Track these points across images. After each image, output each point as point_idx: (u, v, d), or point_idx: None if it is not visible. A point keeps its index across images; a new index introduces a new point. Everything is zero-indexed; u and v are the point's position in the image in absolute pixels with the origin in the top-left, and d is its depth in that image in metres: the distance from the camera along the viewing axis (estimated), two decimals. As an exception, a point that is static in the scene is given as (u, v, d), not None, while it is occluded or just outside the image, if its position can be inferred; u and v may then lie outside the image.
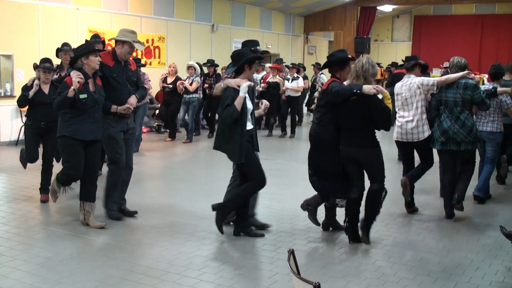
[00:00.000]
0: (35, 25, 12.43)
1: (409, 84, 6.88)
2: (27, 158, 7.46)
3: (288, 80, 14.64)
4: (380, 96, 5.62)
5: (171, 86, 12.89)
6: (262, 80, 14.90)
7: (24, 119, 7.90)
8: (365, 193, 5.88)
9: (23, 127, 7.48)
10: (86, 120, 6.03)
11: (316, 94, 18.23)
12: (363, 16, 22.70)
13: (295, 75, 14.71)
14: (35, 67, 7.35)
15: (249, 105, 5.84)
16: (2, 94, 12.06)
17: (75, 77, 5.89)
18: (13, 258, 5.21)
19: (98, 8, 13.95)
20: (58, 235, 6.00)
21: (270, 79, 14.53)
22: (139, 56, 14.88)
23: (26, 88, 7.16)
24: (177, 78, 12.97)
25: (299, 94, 14.96)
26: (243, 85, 5.64)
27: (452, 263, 5.35)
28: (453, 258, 5.50)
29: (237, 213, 6.06)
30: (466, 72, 6.71)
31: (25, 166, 7.80)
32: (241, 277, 4.91)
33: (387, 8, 23.87)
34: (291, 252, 2.77)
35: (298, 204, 6.54)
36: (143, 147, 11.43)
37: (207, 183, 8.77)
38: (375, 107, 5.56)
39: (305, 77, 16.62)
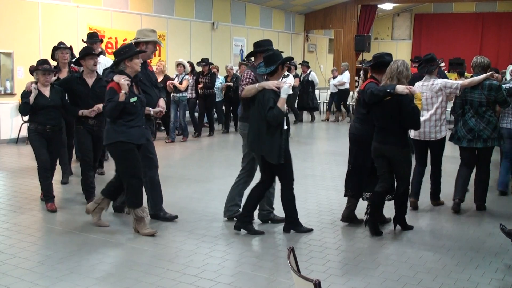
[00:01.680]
0: (35, 23, 12.43)
1: (431, 85, 6.94)
2: (40, 165, 6.81)
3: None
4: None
5: (161, 85, 12.68)
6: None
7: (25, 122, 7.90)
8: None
9: (28, 134, 7.06)
10: (137, 123, 5.90)
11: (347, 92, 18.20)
12: (364, 14, 22.68)
13: (286, 73, 14.02)
14: (33, 70, 7.00)
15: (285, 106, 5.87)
16: (2, 92, 12.07)
17: (123, 80, 5.74)
18: (13, 256, 5.22)
19: (98, 6, 13.95)
20: (58, 233, 6.00)
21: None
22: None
23: (25, 94, 6.77)
24: (166, 77, 12.57)
25: (291, 92, 14.77)
26: (285, 87, 5.69)
27: (452, 261, 5.35)
28: (453, 256, 5.50)
29: (244, 208, 6.11)
30: (489, 73, 6.88)
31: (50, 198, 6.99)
32: (241, 274, 4.91)
33: (387, 6, 23.85)
34: (291, 250, 2.77)
35: (299, 203, 6.56)
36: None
37: (208, 181, 8.77)
38: (405, 107, 5.76)
39: (296, 76, 16.55)
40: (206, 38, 17.79)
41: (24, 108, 6.76)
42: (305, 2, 21.31)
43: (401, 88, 5.72)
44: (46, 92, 6.80)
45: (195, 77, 13.61)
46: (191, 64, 13.48)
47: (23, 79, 12.16)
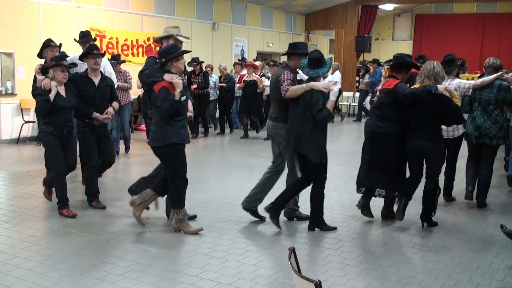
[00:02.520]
0: (36, 23, 12.43)
1: (448, 84, 6.97)
2: (58, 170, 6.50)
3: (269, 78, 13.55)
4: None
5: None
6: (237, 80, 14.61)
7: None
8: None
9: (42, 137, 6.61)
10: (185, 123, 5.91)
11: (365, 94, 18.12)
12: (364, 15, 22.67)
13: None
14: (50, 66, 6.45)
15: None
16: (3, 92, 12.07)
17: (177, 79, 5.72)
18: (14, 256, 5.22)
19: (99, 6, 13.95)
20: (59, 233, 6.00)
21: (247, 77, 13.99)
22: (141, 55, 14.91)
23: (43, 92, 6.32)
24: None
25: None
26: (335, 89, 5.89)
27: (452, 262, 5.34)
28: (454, 256, 5.50)
29: (278, 199, 6.22)
30: (500, 73, 7.15)
31: (50, 197, 6.99)
32: (242, 274, 4.91)
33: (388, 6, 23.85)
34: (292, 250, 2.77)
35: (300, 203, 6.59)
36: (140, 146, 11.42)
37: (207, 181, 8.76)
38: (449, 105, 6.05)
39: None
40: (207, 38, 17.79)
41: (44, 106, 6.31)
42: (306, 3, 21.31)
43: (441, 88, 6.01)
44: (62, 91, 6.48)
45: (186, 77, 13.31)
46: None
47: (24, 79, 12.18)
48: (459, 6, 24.75)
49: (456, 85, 7.18)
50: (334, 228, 6.28)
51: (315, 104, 5.83)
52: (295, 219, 6.61)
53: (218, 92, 14.63)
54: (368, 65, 19.27)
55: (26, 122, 12.25)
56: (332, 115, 5.94)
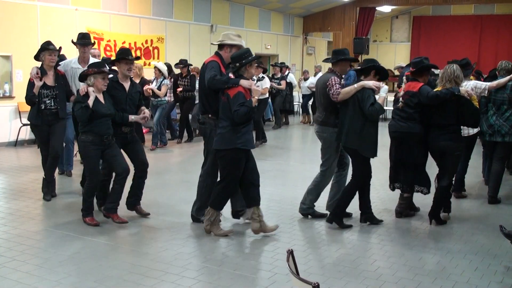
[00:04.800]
0: (34, 26, 12.44)
1: (464, 85, 7.17)
2: (94, 181, 6.33)
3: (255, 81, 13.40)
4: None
5: None
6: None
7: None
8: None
9: (83, 147, 6.30)
10: (250, 129, 5.94)
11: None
12: (362, 17, 22.71)
13: (261, 75, 12.84)
14: (90, 73, 6.18)
15: None
16: (1, 95, 12.07)
17: (254, 85, 5.77)
18: (12, 259, 5.21)
19: (97, 8, 13.95)
20: (57, 236, 5.99)
21: None
22: (152, 59, 14.92)
23: (82, 99, 6.12)
24: (143, 81, 11.51)
25: (266, 96, 13.39)
26: (385, 87, 6.29)
27: (451, 263, 5.35)
28: (452, 258, 5.50)
29: (337, 204, 6.49)
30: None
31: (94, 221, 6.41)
32: (240, 277, 4.91)
33: (386, 8, 23.89)
34: (290, 253, 2.77)
35: (297, 205, 6.61)
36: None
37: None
38: (470, 107, 6.42)
39: (282, 78, 16.25)
40: (205, 40, 17.80)
41: (84, 113, 6.07)
42: (304, 5, 21.33)
43: (463, 91, 6.37)
44: (101, 99, 6.25)
45: (172, 80, 12.95)
46: (168, 66, 13.02)
47: (21, 82, 12.16)
48: (456, 8, 24.80)
49: (472, 86, 7.42)
50: (350, 226, 6.48)
51: (367, 99, 6.13)
52: (309, 216, 6.78)
53: None
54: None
55: (24, 125, 12.23)
56: (383, 109, 6.26)
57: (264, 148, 12.30)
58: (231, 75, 6.09)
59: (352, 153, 6.40)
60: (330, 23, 22.86)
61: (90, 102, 6.09)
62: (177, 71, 13.81)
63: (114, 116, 6.36)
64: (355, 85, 6.24)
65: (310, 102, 17.91)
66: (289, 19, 22.40)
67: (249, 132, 5.92)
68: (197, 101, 13.53)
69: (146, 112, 6.68)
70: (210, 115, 6.23)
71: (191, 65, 13.74)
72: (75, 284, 4.67)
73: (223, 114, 5.87)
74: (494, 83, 7.60)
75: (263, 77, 12.82)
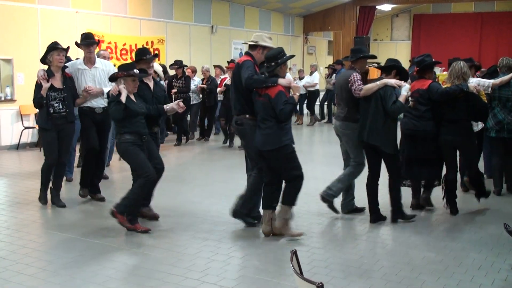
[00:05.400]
0: (35, 29, 12.44)
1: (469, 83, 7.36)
2: (148, 180, 6.15)
3: None
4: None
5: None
6: (218, 84, 13.60)
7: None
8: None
9: (124, 149, 6.18)
10: (290, 124, 6.06)
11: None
12: (362, 16, 22.69)
13: None
14: (120, 76, 6.11)
15: None
16: (3, 98, 12.07)
17: (295, 83, 5.88)
18: (15, 262, 5.21)
19: (97, 11, 13.96)
20: (60, 239, 6.00)
21: (228, 81, 12.43)
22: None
23: (114, 98, 6.05)
24: None
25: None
26: (406, 85, 6.43)
27: (454, 262, 5.34)
28: (455, 256, 5.50)
29: (393, 202, 6.66)
30: None
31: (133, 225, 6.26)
32: (243, 278, 4.91)
33: (386, 7, 23.86)
34: (294, 253, 2.77)
35: (301, 204, 6.59)
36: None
37: (208, 184, 8.77)
38: (479, 103, 6.77)
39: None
40: (205, 41, 17.81)
41: (118, 109, 5.99)
42: (304, 5, 21.32)
43: (472, 86, 6.70)
44: (133, 98, 6.22)
45: (167, 81, 12.78)
46: (163, 67, 12.78)
47: (23, 85, 12.19)
48: (457, 5, 24.75)
49: (476, 83, 7.45)
50: (414, 216, 6.75)
51: (390, 97, 6.29)
52: (327, 204, 6.87)
53: (200, 96, 13.87)
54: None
55: (26, 128, 12.25)
56: (405, 107, 6.40)
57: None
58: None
59: (374, 150, 6.54)
60: (330, 22, 22.84)
61: (123, 98, 6.01)
62: (171, 72, 13.75)
63: (150, 111, 6.32)
64: (378, 83, 6.41)
65: (307, 102, 17.93)
66: (289, 19, 22.39)
67: (291, 128, 6.07)
68: (193, 102, 13.58)
69: (180, 102, 6.65)
70: (247, 116, 6.23)
71: (186, 66, 13.65)
72: (78, 287, 4.67)
73: (265, 114, 5.90)
74: (498, 80, 7.71)
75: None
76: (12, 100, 12.12)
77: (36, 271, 5.00)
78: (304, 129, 17.15)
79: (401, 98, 6.32)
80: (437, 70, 19.65)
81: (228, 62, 13.50)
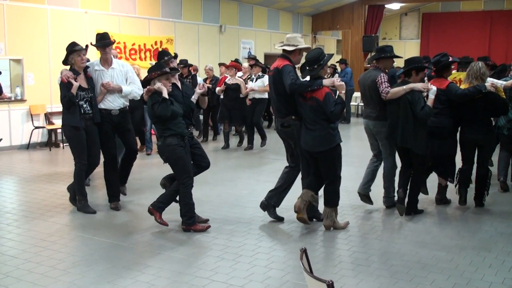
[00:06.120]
0: (44, 29, 12.51)
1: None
2: (190, 184, 6.11)
3: (252, 80, 12.58)
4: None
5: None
6: (217, 83, 13.08)
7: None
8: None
9: (172, 152, 6.06)
10: (337, 125, 6.20)
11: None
12: (371, 15, 22.64)
13: (260, 73, 12.62)
14: (155, 77, 6.08)
15: None
16: (13, 98, 12.14)
17: (338, 81, 5.96)
18: (26, 260, 5.25)
19: (106, 11, 14.01)
20: (70, 238, 6.03)
21: (228, 80, 12.30)
22: (148, 59, 14.94)
23: (158, 97, 5.95)
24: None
25: (266, 95, 12.26)
26: (433, 88, 6.45)
27: (465, 261, 5.32)
28: (465, 255, 5.48)
29: (409, 198, 6.80)
30: None
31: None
32: (253, 276, 4.91)
33: (395, 6, 23.80)
34: (304, 251, 2.77)
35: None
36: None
37: (216, 184, 8.78)
38: (498, 100, 6.91)
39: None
40: (214, 41, 17.83)
41: (165, 106, 5.90)
42: (312, 4, 21.30)
43: (489, 86, 6.81)
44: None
45: None
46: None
47: (33, 86, 12.26)
48: (466, 4, 24.65)
49: (490, 82, 7.48)
50: (421, 211, 6.92)
51: (418, 103, 6.38)
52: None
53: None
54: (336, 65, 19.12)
55: (36, 127, 12.32)
56: (432, 111, 6.45)
57: (275, 148, 12.25)
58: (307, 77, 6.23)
59: (406, 152, 6.70)
60: (339, 21, 22.81)
61: (165, 94, 5.94)
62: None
63: (185, 111, 6.28)
64: (404, 87, 6.47)
65: None
66: (297, 18, 22.38)
67: (337, 127, 6.19)
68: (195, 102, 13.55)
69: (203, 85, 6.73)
70: (293, 117, 6.30)
71: (191, 65, 13.55)
72: (88, 286, 4.70)
73: (315, 117, 6.01)
74: (509, 82, 7.82)
75: (262, 75, 12.51)
76: (22, 100, 12.19)
77: (47, 269, 5.03)
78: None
79: (429, 102, 6.41)
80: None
81: (235, 61, 13.43)
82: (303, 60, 6.38)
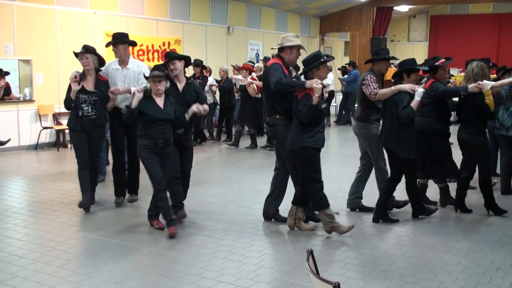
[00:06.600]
0: (53, 30, 12.56)
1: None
2: (154, 184, 6.15)
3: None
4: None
5: None
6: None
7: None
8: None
9: (139, 150, 6.29)
10: (321, 129, 6.03)
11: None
12: (379, 17, 22.62)
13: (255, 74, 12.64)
14: (147, 78, 6.23)
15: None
16: (22, 99, 12.20)
17: (316, 83, 5.74)
18: (34, 260, 5.27)
19: (114, 12, 14.06)
20: (77, 238, 6.05)
21: (243, 82, 12.39)
22: (156, 60, 14.98)
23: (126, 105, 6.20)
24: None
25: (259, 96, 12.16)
26: (419, 90, 6.26)
27: (472, 263, 5.30)
28: (473, 258, 5.46)
29: (378, 202, 6.68)
30: None
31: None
32: (260, 278, 4.91)
33: (403, 8, 23.76)
34: (310, 252, 2.77)
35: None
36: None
37: (224, 185, 8.78)
38: (480, 102, 6.69)
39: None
40: (222, 42, 17.85)
41: (126, 113, 6.24)
42: (321, 5, 21.30)
43: (471, 88, 6.62)
44: (160, 102, 6.16)
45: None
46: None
47: (41, 86, 12.31)
48: (475, 6, 24.58)
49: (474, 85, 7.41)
50: (396, 221, 6.67)
51: (401, 102, 6.29)
52: (357, 209, 7.06)
53: (214, 96, 13.96)
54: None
55: (44, 128, 12.37)
56: (415, 112, 6.27)
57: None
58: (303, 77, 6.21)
59: (392, 154, 6.59)
60: (347, 23, 22.80)
61: (133, 102, 6.09)
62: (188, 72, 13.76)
63: (177, 117, 6.24)
64: (392, 88, 6.42)
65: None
66: (305, 19, 22.37)
67: (321, 132, 6.01)
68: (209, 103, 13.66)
69: (204, 105, 6.56)
70: (278, 116, 6.28)
71: (206, 67, 13.65)
72: (95, 285, 4.71)
73: (293, 114, 6.03)
74: (497, 83, 7.59)
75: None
76: (31, 101, 12.24)
77: (54, 269, 5.05)
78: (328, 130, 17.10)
79: (413, 104, 6.25)
80: (455, 71, 19.56)
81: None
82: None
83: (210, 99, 13.68)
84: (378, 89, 6.50)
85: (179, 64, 6.58)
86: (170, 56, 6.66)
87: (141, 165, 6.52)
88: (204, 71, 13.59)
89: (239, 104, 13.50)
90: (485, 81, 7.21)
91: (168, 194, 6.28)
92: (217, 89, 13.98)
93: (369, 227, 6.48)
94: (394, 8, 22.99)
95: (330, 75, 18.01)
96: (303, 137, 5.90)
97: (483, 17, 24.68)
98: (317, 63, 5.98)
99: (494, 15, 24.52)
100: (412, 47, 26.24)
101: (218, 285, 4.75)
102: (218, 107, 14.54)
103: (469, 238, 6.14)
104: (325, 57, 6.15)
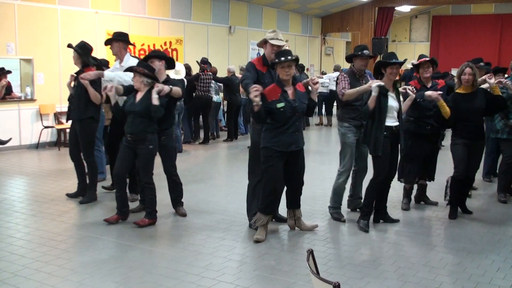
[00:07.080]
0: (55, 29, 12.57)
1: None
2: (114, 173, 6.58)
3: None
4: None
5: None
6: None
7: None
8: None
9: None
10: (288, 130, 5.81)
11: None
12: (381, 17, 22.61)
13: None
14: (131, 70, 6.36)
15: (393, 103, 6.25)
16: (23, 98, 12.20)
17: (254, 91, 5.60)
18: (34, 260, 5.27)
19: (116, 11, 14.06)
20: (78, 237, 6.05)
21: None
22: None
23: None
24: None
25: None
26: (373, 85, 6.11)
27: (472, 264, 5.30)
28: (473, 259, 5.46)
29: (376, 203, 6.58)
30: None
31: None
32: (260, 277, 4.92)
33: (405, 8, 23.75)
34: (310, 252, 2.77)
35: (316, 204, 6.59)
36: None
37: (225, 184, 8.78)
38: (439, 112, 6.73)
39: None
40: (223, 42, 17.86)
41: (112, 108, 6.75)
42: (322, 5, 21.29)
43: (427, 95, 6.66)
44: (139, 97, 6.31)
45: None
46: (187, 67, 12.95)
47: (43, 85, 12.32)
48: (476, 7, 24.56)
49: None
50: (397, 221, 6.67)
51: (366, 100, 6.23)
52: (358, 210, 6.91)
53: (222, 94, 14.15)
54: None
55: (46, 127, 12.38)
56: (368, 109, 6.12)
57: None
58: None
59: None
60: (348, 23, 22.80)
61: (112, 100, 6.51)
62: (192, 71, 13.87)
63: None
64: (358, 88, 6.34)
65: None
66: (307, 19, 22.37)
67: (286, 133, 5.80)
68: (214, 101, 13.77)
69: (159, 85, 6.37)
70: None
71: (205, 68, 13.66)
72: (96, 285, 4.71)
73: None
74: (434, 93, 7.53)
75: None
76: (32, 100, 12.25)
77: (55, 269, 5.05)
78: (322, 130, 17.10)
79: (369, 100, 6.10)
80: (455, 71, 19.55)
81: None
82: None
83: (218, 97, 13.97)
84: (346, 88, 6.39)
85: (158, 64, 6.61)
86: (150, 55, 6.74)
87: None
88: (210, 71, 13.68)
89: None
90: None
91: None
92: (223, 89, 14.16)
93: (369, 227, 6.47)
94: (396, 8, 22.99)
95: (330, 75, 18.04)
96: (266, 137, 5.85)
97: (485, 17, 24.66)
98: (277, 61, 5.73)
99: (496, 16, 24.50)
100: (413, 47, 26.22)
101: (218, 284, 4.75)
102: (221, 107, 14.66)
103: (470, 238, 6.14)
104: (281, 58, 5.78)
